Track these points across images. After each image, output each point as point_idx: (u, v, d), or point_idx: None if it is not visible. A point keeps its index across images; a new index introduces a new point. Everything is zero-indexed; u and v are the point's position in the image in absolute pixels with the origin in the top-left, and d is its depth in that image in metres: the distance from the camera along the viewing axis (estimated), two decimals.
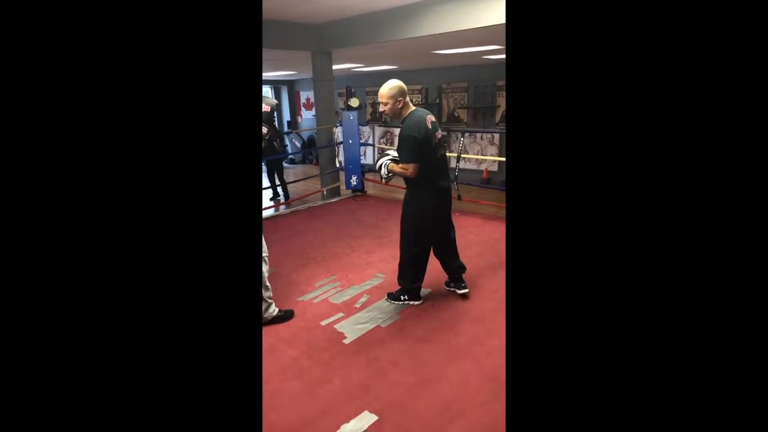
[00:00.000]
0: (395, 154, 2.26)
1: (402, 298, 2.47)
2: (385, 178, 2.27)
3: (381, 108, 2.21)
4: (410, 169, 2.15)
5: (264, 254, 2.16)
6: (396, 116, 2.19)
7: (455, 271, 2.51)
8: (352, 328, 2.25)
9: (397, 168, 2.21)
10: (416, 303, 2.47)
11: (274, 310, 2.28)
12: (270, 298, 2.25)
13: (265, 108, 2.07)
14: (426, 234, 2.32)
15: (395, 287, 2.67)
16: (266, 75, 8.12)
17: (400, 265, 2.42)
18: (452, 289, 2.57)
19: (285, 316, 2.34)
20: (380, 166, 2.26)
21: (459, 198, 4.62)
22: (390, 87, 2.15)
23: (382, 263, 3.13)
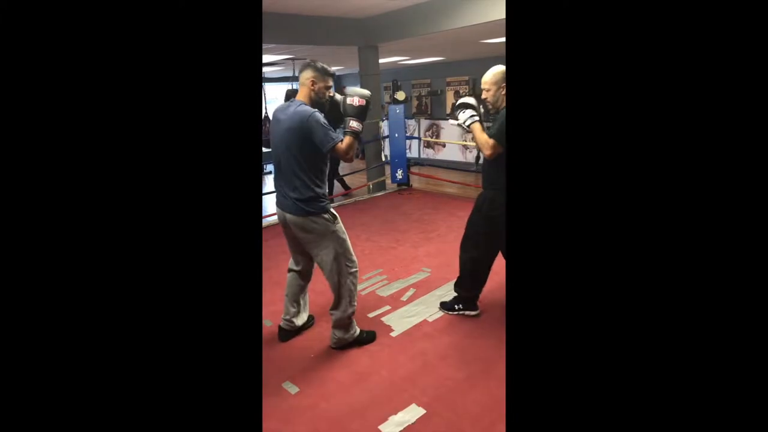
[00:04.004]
0: (477, 116, 1.98)
1: (456, 307, 2.26)
2: (460, 123, 1.98)
3: (483, 95, 1.99)
4: (492, 145, 1.86)
5: (354, 268, 1.91)
6: (497, 104, 1.96)
7: None
8: (399, 321, 2.26)
9: (480, 132, 1.93)
10: (473, 314, 2.24)
11: (355, 330, 2.03)
12: (353, 317, 2.00)
13: (360, 102, 1.75)
14: (498, 238, 2.03)
15: (441, 282, 2.64)
16: None
17: (462, 270, 2.19)
18: None
19: (368, 338, 2.07)
20: (468, 115, 1.96)
21: None
22: (494, 72, 1.94)
23: (429, 258, 3.10)
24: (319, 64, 1.77)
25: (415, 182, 5.57)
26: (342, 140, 1.72)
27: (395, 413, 1.61)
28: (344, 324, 1.98)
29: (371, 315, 2.33)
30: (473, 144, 1.90)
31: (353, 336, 2.02)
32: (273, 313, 2.35)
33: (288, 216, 1.82)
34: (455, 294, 2.28)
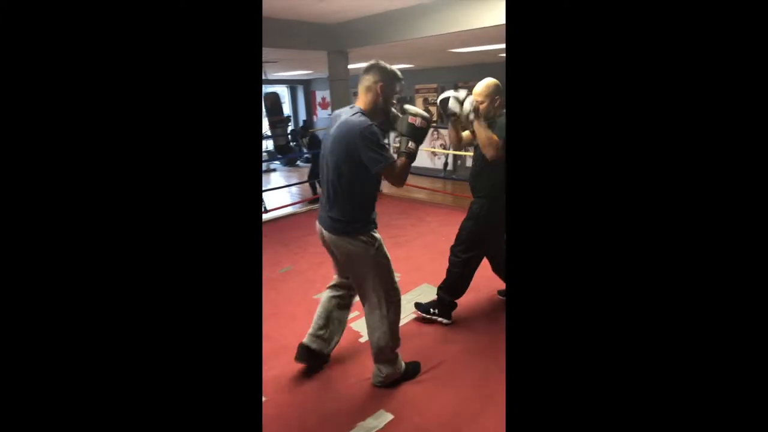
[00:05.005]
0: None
1: (432, 311, 2.25)
2: (450, 115, 1.89)
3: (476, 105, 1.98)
4: (497, 143, 1.85)
5: (396, 297, 1.70)
6: (490, 117, 1.97)
7: None
8: None
9: (482, 129, 1.87)
10: (445, 321, 2.23)
11: (401, 365, 1.81)
12: (398, 350, 1.78)
13: (421, 123, 1.55)
14: (487, 244, 2.13)
15: (410, 287, 2.65)
16: (282, 74, 8.19)
17: (453, 275, 2.19)
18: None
19: (414, 371, 1.86)
20: (470, 106, 1.86)
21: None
22: (486, 84, 1.96)
23: (397, 262, 3.08)
24: (389, 66, 1.54)
25: (385, 188, 5.59)
26: (395, 161, 1.50)
27: (363, 419, 1.61)
28: (388, 358, 1.75)
29: None
30: (442, 151, 1.87)
31: (400, 372, 1.80)
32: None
33: (325, 233, 1.64)
34: (436, 298, 2.27)
